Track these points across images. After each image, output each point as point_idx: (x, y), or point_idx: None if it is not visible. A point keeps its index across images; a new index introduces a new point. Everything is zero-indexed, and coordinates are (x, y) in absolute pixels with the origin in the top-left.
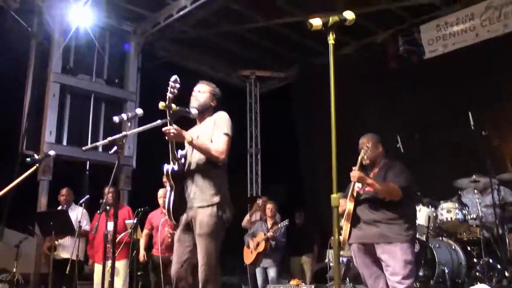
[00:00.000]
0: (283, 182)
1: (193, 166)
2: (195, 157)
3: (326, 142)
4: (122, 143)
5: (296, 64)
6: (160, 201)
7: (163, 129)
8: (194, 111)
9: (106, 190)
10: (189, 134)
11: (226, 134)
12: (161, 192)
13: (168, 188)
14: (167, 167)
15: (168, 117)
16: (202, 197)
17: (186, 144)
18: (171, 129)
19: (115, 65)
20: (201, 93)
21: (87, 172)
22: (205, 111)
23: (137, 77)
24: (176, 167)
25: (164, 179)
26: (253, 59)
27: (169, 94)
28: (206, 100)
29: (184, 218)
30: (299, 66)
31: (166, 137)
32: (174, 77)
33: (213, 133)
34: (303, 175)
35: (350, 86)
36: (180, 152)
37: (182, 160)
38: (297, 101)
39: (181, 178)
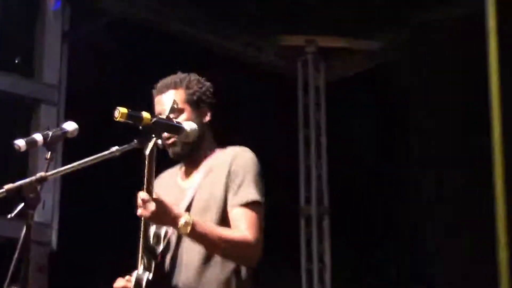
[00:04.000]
0: (370, 270)
1: (186, 269)
2: (191, 250)
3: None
4: (35, 196)
5: (399, 26)
6: None
7: (138, 202)
8: (191, 125)
9: None
10: (180, 209)
11: (258, 202)
12: None
13: None
14: (140, 275)
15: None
16: None
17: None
18: (150, 202)
19: (18, 34)
20: (177, 108)
21: None
22: (199, 143)
23: (61, 55)
24: (151, 275)
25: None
26: (309, 19)
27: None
28: (191, 119)
29: None
30: (406, 28)
31: (139, 215)
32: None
33: (229, 197)
34: (423, 251)
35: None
36: (155, 230)
37: (165, 257)
38: (400, 98)
39: None
